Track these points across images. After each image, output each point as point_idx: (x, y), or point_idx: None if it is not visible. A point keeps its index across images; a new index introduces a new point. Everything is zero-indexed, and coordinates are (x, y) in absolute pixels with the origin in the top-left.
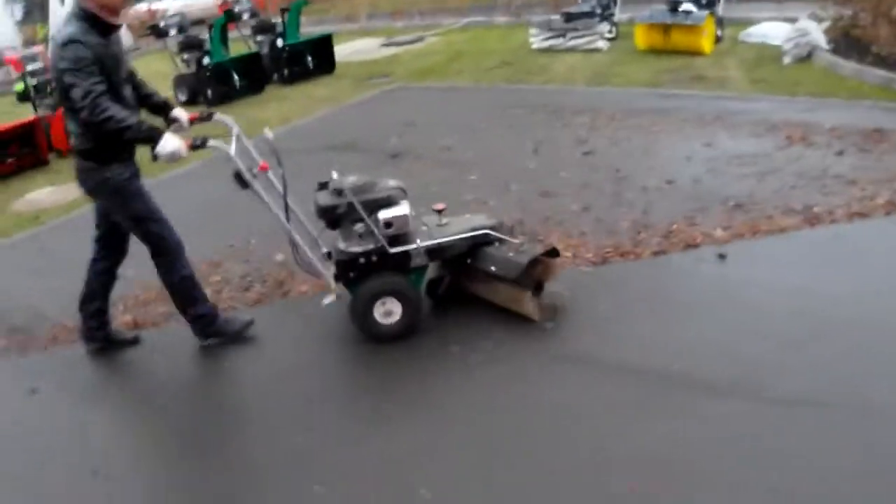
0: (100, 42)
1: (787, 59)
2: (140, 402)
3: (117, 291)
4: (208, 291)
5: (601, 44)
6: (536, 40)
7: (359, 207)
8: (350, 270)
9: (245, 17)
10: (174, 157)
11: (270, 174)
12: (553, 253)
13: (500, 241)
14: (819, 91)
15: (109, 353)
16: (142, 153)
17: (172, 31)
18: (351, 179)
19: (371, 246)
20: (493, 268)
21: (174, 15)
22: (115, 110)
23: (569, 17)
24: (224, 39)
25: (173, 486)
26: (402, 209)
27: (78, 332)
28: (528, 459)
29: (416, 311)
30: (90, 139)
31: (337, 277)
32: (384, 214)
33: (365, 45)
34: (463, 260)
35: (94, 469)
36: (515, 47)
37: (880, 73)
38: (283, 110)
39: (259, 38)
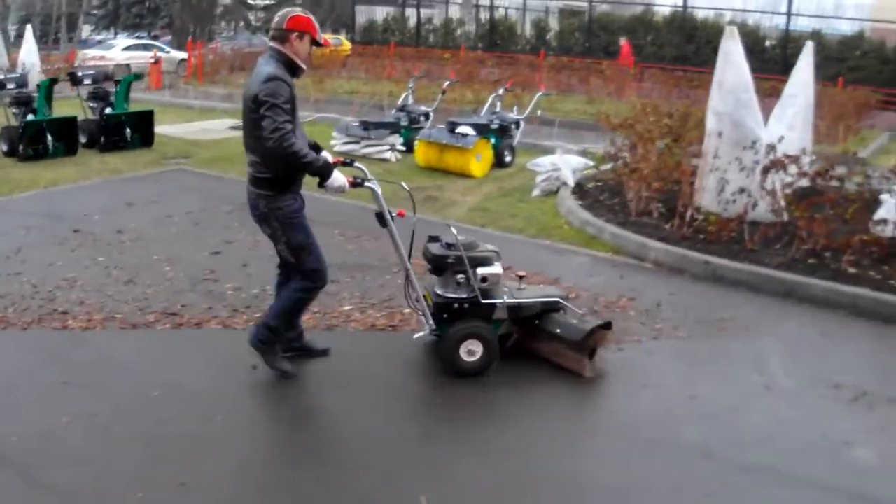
0: (292, 84)
1: (535, 192)
2: None
3: None
4: None
5: (389, 154)
6: (337, 143)
7: (466, 261)
8: (445, 312)
9: (86, 81)
10: (340, 190)
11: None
12: (607, 326)
13: (566, 309)
14: (518, 226)
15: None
16: None
17: (10, 85)
18: (461, 238)
19: (465, 295)
20: (558, 330)
21: (12, 72)
22: (299, 145)
23: (366, 126)
24: (49, 100)
25: None
26: (497, 269)
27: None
28: None
29: (495, 355)
30: (270, 169)
31: (433, 317)
32: (483, 270)
33: (218, 124)
34: (532, 321)
35: None
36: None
37: (583, 217)
38: (59, 175)
39: (92, 104)
